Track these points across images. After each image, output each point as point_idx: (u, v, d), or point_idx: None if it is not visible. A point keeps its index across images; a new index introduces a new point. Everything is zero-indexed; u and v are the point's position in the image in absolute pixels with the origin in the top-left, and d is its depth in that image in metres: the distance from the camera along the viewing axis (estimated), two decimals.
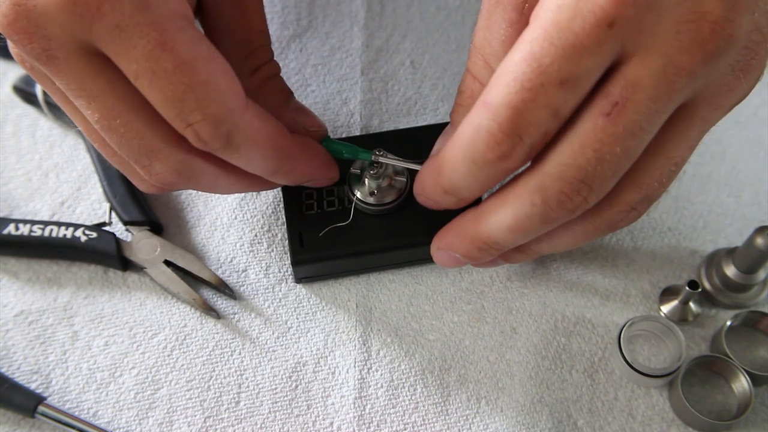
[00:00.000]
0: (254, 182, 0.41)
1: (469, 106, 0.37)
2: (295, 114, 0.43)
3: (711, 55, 0.31)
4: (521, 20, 0.34)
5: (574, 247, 0.38)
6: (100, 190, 0.51)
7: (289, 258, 0.45)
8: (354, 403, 0.45)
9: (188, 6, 0.35)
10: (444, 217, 0.39)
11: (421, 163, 0.40)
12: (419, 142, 0.45)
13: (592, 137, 0.31)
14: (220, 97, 0.34)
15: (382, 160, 0.43)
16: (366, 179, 0.45)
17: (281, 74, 0.43)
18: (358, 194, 0.45)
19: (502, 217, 0.35)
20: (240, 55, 0.40)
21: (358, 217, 0.45)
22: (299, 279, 0.48)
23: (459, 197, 0.36)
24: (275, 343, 0.47)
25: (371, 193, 0.45)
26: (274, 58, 0.42)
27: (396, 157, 0.43)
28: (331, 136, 0.45)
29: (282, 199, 0.51)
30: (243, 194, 0.51)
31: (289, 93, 0.43)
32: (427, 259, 0.47)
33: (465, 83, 0.38)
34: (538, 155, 0.33)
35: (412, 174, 0.45)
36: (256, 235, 0.50)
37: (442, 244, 0.40)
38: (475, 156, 0.33)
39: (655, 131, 0.32)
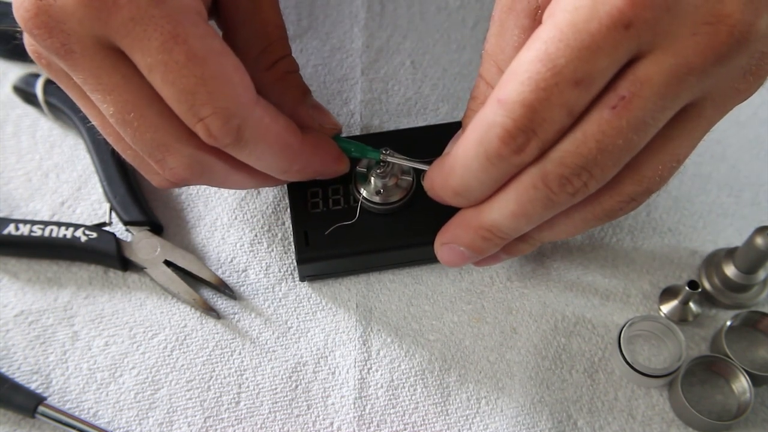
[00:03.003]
0: (266, 178, 0.41)
1: None
2: (312, 111, 0.43)
3: (724, 58, 0.31)
4: (534, 26, 0.34)
5: (574, 234, 0.39)
6: (100, 190, 0.51)
7: (295, 256, 0.45)
8: (354, 403, 0.45)
9: (201, 3, 0.35)
10: (450, 215, 0.40)
11: (428, 162, 0.40)
12: (421, 142, 0.45)
13: (596, 128, 0.32)
14: (231, 91, 0.35)
15: (389, 159, 0.43)
16: (372, 178, 0.45)
17: None
18: (364, 193, 0.45)
19: (505, 203, 0.35)
20: (257, 49, 0.41)
21: (363, 215, 0.45)
22: (304, 277, 0.48)
23: (469, 199, 0.37)
24: (275, 343, 0.47)
25: (377, 192, 0.45)
26: (291, 55, 0.42)
27: (404, 157, 0.43)
28: None
29: (284, 198, 0.51)
30: (243, 194, 0.51)
31: (307, 90, 0.44)
32: (432, 259, 0.47)
33: (478, 89, 0.39)
34: None
35: (418, 173, 0.45)
36: (256, 235, 0.50)
37: (445, 238, 0.40)
38: (488, 151, 0.33)
39: (660, 127, 0.32)
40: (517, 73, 0.31)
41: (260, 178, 0.41)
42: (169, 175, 0.38)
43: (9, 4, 0.54)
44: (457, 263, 0.41)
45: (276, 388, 0.45)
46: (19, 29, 0.35)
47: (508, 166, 0.34)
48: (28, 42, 0.37)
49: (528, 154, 0.33)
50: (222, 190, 0.51)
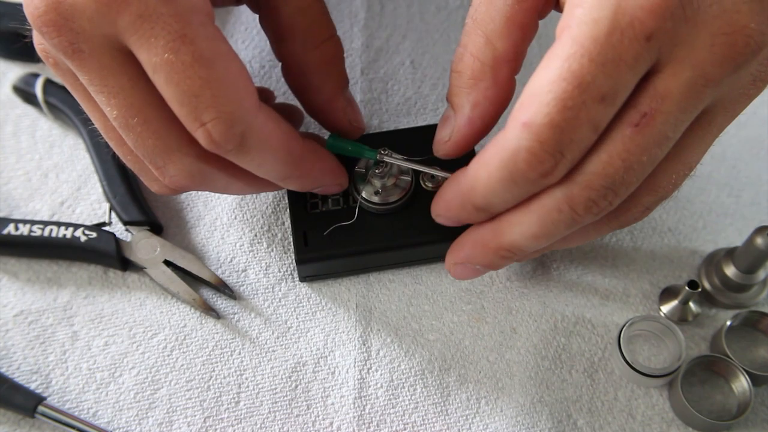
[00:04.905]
0: (265, 184, 0.41)
1: (471, 88, 0.36)
2: (346, 104, 0.43)
3: (740, 67, 0.31)
4: None
5: (584, 242, 0.39)
6: (100, 190, 0.51)
7: (294, 257, 0.45)
8: (354, 403, 0.45)
9: (210, 5, 0.35)
10: None
11: (425, 162, 0.40)
12: (421, 141, 0.45)
13: (621, 147, 0.31)
14: (235, 95, 0.34)
15: (387, 159, 0.43)
16: (371, 178, 0.45)
17: None
18: (363, 193, 0.45)
19: (527, 225, 0.35)
20: (303, 25, 0.40)
21: (362, 216, 0.45)
22: (303, 278, 0.48)
23: (491, 213, 0.36)
24: (275, 343, 0.47)
25: (376, 192, 0.45)
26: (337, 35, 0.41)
27: (401, 157, 0.43)
28: None
29: (283, 199, 0.51)
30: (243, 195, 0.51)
31: (347, 81, 0.43)
32: (432, 259, 0.47)
33: (463, 62, 0.37)
34: None
35: (417, 173, 0.45)
36: (255, 235, 0.50)
37: (460, 258, 0.40)
38: (515, 176, 0.33)
39: (678, 138, 0.32)
40: (540, 94, 0.31)
41: (260, 185, 0.41)
42: (169, 182, 0.38)
43: (9, 5, 0.54)
44: (470, 278, 0.41)
45: (276, 388, 0.45)
46: (28, 27, 0.35)
47: (534, 187, 0.33)
48: (37, 40, 0.37)
49: (555, 176, 0.32)
50: None
